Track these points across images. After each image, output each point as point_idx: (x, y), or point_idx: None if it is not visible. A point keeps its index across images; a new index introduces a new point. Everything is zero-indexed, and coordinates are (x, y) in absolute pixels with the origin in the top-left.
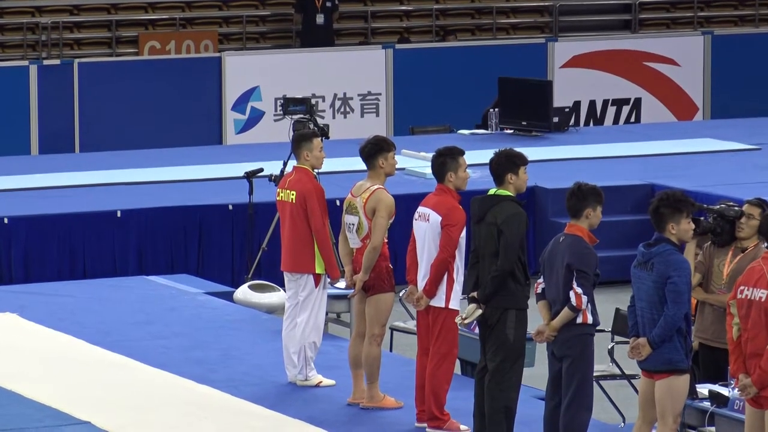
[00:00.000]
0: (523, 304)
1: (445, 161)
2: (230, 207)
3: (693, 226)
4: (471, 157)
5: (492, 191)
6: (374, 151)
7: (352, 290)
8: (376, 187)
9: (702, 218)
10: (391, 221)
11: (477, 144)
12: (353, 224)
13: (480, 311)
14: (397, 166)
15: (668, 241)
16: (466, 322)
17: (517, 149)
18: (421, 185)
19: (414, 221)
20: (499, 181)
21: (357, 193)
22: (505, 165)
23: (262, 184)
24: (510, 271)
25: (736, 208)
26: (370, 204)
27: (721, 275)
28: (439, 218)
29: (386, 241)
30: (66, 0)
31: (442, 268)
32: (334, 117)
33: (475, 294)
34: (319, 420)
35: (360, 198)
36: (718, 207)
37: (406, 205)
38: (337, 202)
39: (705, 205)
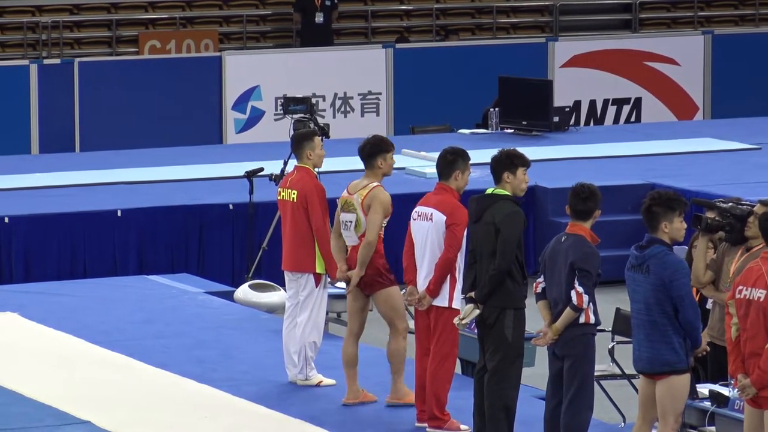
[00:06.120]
0: (521, 304)
1: (456, 159)
2: (231, 206)
3: (685, 224)
4: (471, 156)
5: (489, 190)
6: (374, 151)
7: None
8: (374, 184)
9: (704, 215)
10: (387, 219)
11: (477, 143)
12: (350, 222)
13: (478, 311)
14: (397, 166)
15: (660, 241)
16: (464, 322)
17: (518, 149)
18: (421, 185)
19: (412, 221)
20: (497, 179)
21: (354, 191)
22: (503, 163)
23: (263, 183)
24: (508, 271)
25: (744, 207)
26: (368, 201)
27: (729, 273)
28: (444, 217)
29: (382, 237)
30: None
31: (447, 267)
32: (334, 116)
33: (472, 294)
34: (320, 420)
35: (357, 195)
36: (729, 205)
37: (407, 205)
38: (338, 202)
39: (717, 202)
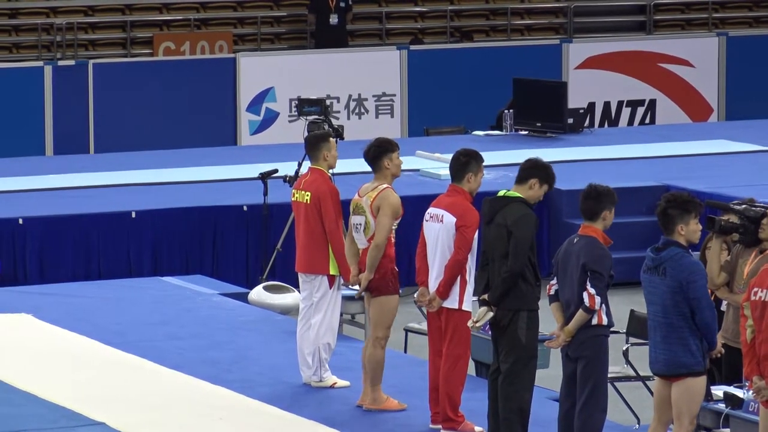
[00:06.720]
0: (534, 305)
1: (469, 161)
2: (245, 208)
3: (700, 226)
4: (486, 158)
5: (502, 192)
6: (379, 152)
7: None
8: (384, 186)
9: (718, 217)
10: (397, 222)
11: (491, 145)
12: (360, 224)
13: (491, 313)
14: (411, 167)
15: (677, 244)
16: (477, 325)
17: (533, 152)
18: (435, 186)
19: (424, 222)
20: (522, 180)
21: (363, 194)
22: (539, 173)
23: (277, 185)
24: (520, 273)
25: (758, 208)
26: (377, 203)
27: (743, 275)
28: (454, 219)
29: (393, 241)
30: (81, 1)
31: (456, 269)
32: (348, 118)
33: (485, 296)
34: (334, 421)
35: (366, 197)
36: (742, 207)
37: (422, 207)
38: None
39: (730, 204)
